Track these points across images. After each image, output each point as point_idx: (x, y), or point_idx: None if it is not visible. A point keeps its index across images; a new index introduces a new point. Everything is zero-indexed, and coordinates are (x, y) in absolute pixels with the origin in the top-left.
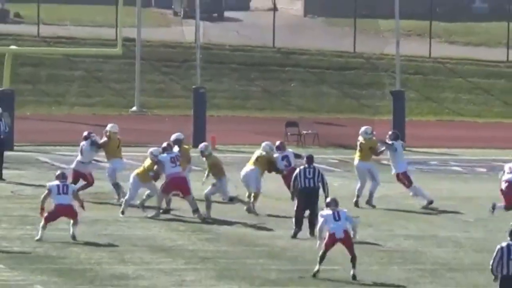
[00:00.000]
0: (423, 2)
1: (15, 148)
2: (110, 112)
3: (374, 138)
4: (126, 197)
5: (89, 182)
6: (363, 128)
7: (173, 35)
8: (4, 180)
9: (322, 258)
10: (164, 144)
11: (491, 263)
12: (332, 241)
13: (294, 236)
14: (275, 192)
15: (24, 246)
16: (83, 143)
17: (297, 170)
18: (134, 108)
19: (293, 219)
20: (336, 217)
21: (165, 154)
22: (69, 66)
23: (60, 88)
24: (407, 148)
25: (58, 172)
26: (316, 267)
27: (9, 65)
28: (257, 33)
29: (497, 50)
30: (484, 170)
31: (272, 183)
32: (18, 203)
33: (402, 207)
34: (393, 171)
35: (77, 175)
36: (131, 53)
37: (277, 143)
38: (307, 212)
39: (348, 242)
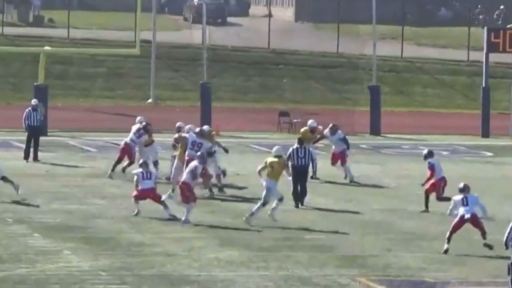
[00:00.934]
0: (396, 10)
1: (48, 133)
2: (130, 104)
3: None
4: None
5: (132, 160)
6: (310, 121)
7: (183, 37)
8: (39, 161)
9: (449, 238)
10: (197, 129)
11: (504, 239)
12: (460, 223)
13: (297, 206)
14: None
15: (56, 218)
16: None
17: (290, 150)
18: (150, 100)
19: (292, 195)
20: (465, 202)
21: (188, 135)
22: (94, 64)
23: (86, 83)
24: (382, 134)
25: (141, 161)
26: (445, 246)
27: (43, 63)
28: (255, 36)
29: (459, 51)
30: (448, 153)
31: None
32: (51, 181)
33: (379, 184)
34: (332, 148)
35: (127, 150)
36: (147, 53)
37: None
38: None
39: (475, 222)
